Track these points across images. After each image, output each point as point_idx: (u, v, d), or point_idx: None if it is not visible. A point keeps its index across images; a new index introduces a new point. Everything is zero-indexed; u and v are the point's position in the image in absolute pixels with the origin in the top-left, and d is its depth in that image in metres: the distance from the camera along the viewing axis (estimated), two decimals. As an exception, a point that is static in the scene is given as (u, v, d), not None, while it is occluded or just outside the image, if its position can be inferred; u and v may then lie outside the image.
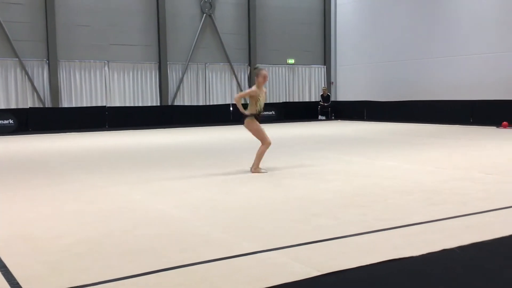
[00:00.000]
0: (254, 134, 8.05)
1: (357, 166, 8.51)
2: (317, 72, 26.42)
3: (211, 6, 23.10)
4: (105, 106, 20.83)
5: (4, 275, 3.48)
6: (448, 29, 20.60)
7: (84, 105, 20.91)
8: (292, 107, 24.83)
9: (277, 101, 24.85)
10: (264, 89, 8.05)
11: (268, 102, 21.22)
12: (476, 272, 3.42)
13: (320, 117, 24.84)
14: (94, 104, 21.06)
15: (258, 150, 8.01)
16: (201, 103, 23.32)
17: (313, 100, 26.07)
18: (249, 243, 4.11)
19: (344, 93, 26.08)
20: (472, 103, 19.41)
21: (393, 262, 3.59)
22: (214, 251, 3.89)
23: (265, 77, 7.91)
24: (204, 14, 22.98)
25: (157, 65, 22.28)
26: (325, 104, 24.95)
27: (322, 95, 25.30)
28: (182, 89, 23.01)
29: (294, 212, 5.21)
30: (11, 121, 18.78)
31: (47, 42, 20.04)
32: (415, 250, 3.82)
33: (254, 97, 7.83)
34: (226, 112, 22.68)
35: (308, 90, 26.29)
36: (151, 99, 22.31)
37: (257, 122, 7.92)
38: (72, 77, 20.75)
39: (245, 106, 7.90)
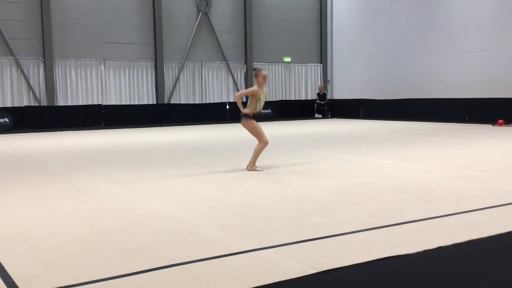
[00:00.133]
0: (251, 132, 8.04)
1: (353, 164, 8.52)
2: (314, 70, 26.42)
3: (207, 4, 23.07)
4: (101, 105, 20.78)
5: (-1, 274, 3.47)
6: (444, 28, 20.64)
7: (80, 103, 20.86)
8: (289, 105, 24.81)
9: (274, 100, 24.83)
10: (265, 90, 8.05)
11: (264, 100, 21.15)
12: (472, 270, 3.43)
13: (316, 115, 24.84)
14: (90, 103, 21.01)
15: (255, 149, 8.01)
16: (197, 102, 23.30)
17: (309, 98, 26.09)
18: (245, 241, 4.11)
19: (340, 92, 26.10)
20: (468, 101, 19.46)
21: (389, 260, 3.60)
22: (210, 250, 3.88)
23: (264, 77, 7.91)
24: (200, 13, 22.95)
25: (153, 63, 22.24)
26: (322, 102, 24.96)
27: (318, 94, 25.30)
28: (178, 87, 22.98)
29: (290, 210, 5.21)
30: (6, 120, 18.72)
31: (43, 40, 19.98)
32: (411, 247, 3.83)
33: (255, 96, 7.84)
34: (223, 110, 22.67)
35: (304, 89, 26.29)
36: (147, 97, 22.28)
37: (255, 121, 7.92)
38: (68, 75, 20.70)
39: (245, 105, 7.90)
